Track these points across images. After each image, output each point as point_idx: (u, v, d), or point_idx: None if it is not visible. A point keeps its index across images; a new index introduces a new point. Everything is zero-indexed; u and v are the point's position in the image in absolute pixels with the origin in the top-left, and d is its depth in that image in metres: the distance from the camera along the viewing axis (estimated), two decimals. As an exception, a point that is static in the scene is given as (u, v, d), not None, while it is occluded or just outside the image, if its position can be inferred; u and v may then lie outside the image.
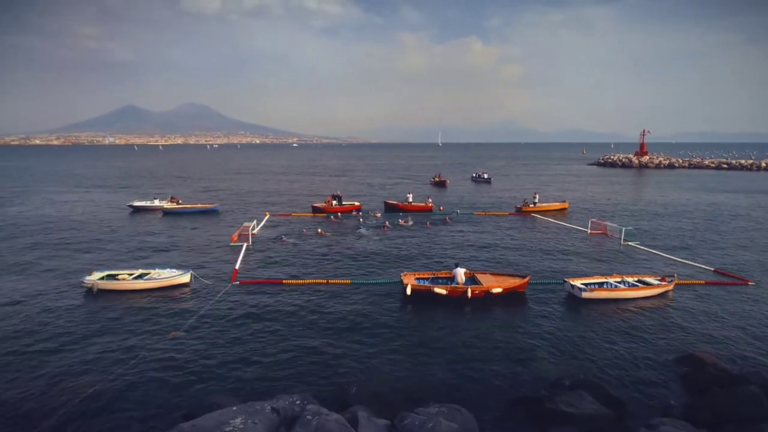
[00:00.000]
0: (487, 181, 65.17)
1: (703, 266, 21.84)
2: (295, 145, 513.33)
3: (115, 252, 24.99)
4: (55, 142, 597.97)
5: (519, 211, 37.40)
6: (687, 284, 19.10)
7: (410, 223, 32.30)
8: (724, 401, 9.91)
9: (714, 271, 21.10)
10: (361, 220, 33.95)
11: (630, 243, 26.15)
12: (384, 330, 14.69)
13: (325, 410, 8.58)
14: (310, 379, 11.72)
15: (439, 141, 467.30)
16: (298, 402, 9.02)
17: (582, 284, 17.86)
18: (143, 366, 12.28)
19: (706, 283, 19.29)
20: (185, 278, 19.34)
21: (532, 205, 37.70)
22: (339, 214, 35.94)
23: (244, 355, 12.92)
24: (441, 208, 38.77)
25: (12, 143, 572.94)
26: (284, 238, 27.83)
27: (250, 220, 29.72)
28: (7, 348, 13.39)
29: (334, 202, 37.57)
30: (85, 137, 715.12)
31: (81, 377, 11.73)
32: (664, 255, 23.88)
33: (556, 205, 39.25)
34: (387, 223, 32.34)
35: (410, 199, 39.69)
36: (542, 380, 11.65)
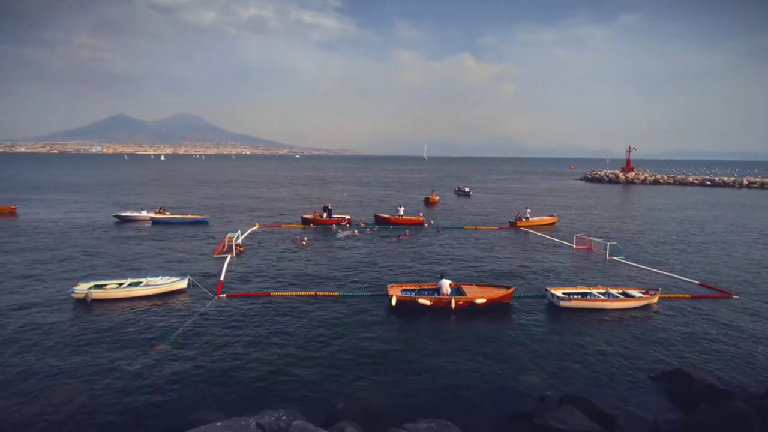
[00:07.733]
0: (467, 195, 67.13)
1: (688, 279, 22.14)
2: (298, 156, 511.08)
3: (98, 263, 24.47)
4: (41, 150, 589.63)
5: (513, 225, 37.70)
6: (672, 297, 19.30)
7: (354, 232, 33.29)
8: (712, 418, 9.91)
9: (699, 284, 21.40)
10: (347, 227, 35.44)
11: (616, 258, 26.37)
12: (372, 343, 14.52)
13: (311, 426, 8.40)
14: (297, 393, 11.47)
15: (425, 154, 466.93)
16: (284, 417, 8.82)
17: (562, 293, 17.92)
18: (126, 379, 11.94)
19: (692, 297, 19.50)
20: (182, 284, 19.28)
21: (524, 220, 38.02)
22: (333, 226, 35.94)
23: (229, 369, 12.63)
24: (432, 221, 38.86)
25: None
26: (297, 238, 30.24)
27: (234, 231, 29.14)
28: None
29: (324, 214, 37.48)
30: (72, 145, 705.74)
31: (61, 390, 11.35)
32: (650, 269, 24.13)
33: (547, 220, 39.62)
34: (407, 232, 33.41)
35: (401, 212, 39.68)
36: (529, 394, 11.57)
